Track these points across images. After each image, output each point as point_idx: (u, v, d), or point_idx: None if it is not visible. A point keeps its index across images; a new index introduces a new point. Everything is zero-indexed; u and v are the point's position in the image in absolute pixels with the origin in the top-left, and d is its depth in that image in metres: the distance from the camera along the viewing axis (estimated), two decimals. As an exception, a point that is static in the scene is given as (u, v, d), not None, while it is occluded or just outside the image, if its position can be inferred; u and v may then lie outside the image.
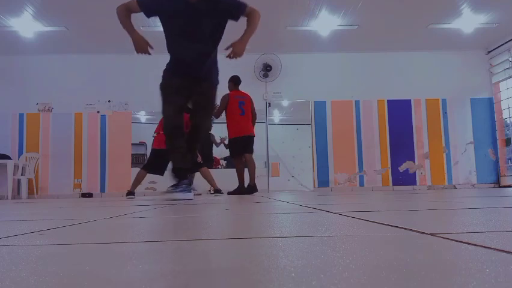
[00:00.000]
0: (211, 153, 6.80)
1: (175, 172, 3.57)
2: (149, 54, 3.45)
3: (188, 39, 3.38)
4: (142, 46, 3.39)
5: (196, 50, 3.40)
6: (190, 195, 3.48)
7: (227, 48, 3.36)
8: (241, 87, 6.35)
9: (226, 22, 3.43)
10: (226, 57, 3.39)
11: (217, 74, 3.63)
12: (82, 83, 8.54)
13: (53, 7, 6.71)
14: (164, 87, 3.53)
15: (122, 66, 8.59)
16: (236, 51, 3.34)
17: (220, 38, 3.47)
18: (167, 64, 3.60)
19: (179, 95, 3.47)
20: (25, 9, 6.71)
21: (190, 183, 3.67)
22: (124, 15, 3.45)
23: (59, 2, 6.54)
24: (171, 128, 3.47)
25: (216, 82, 3.63)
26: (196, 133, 3.60)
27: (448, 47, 8.60)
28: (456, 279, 0.45)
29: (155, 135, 5.63)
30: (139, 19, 7.00)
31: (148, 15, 3.51)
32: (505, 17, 7.34)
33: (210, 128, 3.76)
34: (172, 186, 3.52)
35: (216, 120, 9.50)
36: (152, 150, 5.67)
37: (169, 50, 3.52)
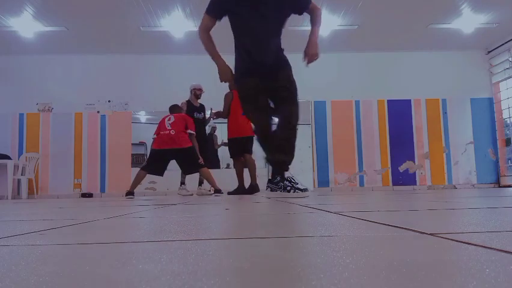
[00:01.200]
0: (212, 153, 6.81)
1: (276, 165, 3.53)
2: (232, 83, 3.50)
3: (258, 32, 3.38)
4: (226, 75, 3.43)
5: (265, 42, 3.40)
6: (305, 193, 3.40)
7: (304, 60, 3.50)
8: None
9: (289, 14, 3.49)
10: (307, 65, 3.52)
11: (286, 58, 3.59)
12: (82, 83, 8.54)
13: (53, 7, 6.71)
14: (243, 95, 3.51)
15: (122, 66, 8.60)
16: (312, 55, 3.51)
17: (283, 28, 3.51)
18: (236, 67, 3.52)
19: (260, 95, 3.44)
20: (25, 9, 6.71)
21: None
22: (206, 37, 3.45)
23: (59, 2, 6.54)
24: (261, 132, 3.48)
25: (289, 66, 3.59)
26: (288, 125, 3.43)
27: (448, 47, 8.60)
28: (456, 279, 0.45)
29: (154, 136, 5.63)
30: (139, 19, 7.04)
31: (220, 18, 3.46)
32: (505, 17, 7.35)
33: (298, 117, 3.52)
34: (274, 182, 3.46)
35: (217, 121, 9.47)
36: (152, 150, 5.66)
37: (239, 47, 3.48)
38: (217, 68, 3.45)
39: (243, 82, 3.48)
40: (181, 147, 5.42)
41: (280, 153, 3.46)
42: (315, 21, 3.54)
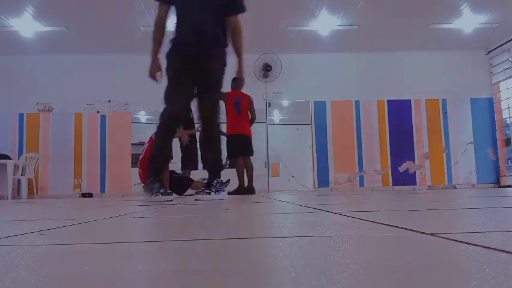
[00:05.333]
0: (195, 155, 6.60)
1: (153, 167, 3.43)
2: (156, 81, 3.49)
3: (197, 16, 3.38)
4: (153, 72, 3.43)
5: (203, 26, 3.38)
6: (167, 197, 3.32)
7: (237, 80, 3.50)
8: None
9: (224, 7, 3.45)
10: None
11: (225, 55, 3.51)
12: (82, 83, 8.54)
13: (53, 7, 6.71)
14: (169, 70, 3.43)
15: (122, 66, 8.59)
16: (243, 79, 3.55)
17: (224, 24, 3.47)
18: (170, 46, 3.50)
19: (185, 78, 3.40)
20: (25, 9, 6.71)
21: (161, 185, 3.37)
22: (158, 25, 3.45)
23: (59, 2, 6.54)
24: (169, 116, 3.38)
25: (224, 61, 3.49)
26: (207, 123, 3.43)
27: (448, 47, 8.59)
28: (456, 279, 0.45)
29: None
30: (139, 19, 7.03)
31: (170, 2, 3.46)
32: (505, 17, 7.34)
33: (218, 114, 3.49)
34: (149, 185, 3.37)
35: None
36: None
37: (177, 29, 3.48)
38: (150, 63, 3.45)
39: (173, 62, 3.44)
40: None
41: (207, 151, 3.50)
42: (238, 47, 3.50)
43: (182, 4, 3.43)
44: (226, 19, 3.46)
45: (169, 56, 3.45)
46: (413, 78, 8.69)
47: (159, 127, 3.45)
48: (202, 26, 3.38)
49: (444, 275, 0.47)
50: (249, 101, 6.21)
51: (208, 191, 3.44)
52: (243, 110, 6.14)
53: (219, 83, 3.50)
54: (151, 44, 3.46)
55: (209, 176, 3.57)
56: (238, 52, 3.52)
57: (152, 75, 3.44)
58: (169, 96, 3.41)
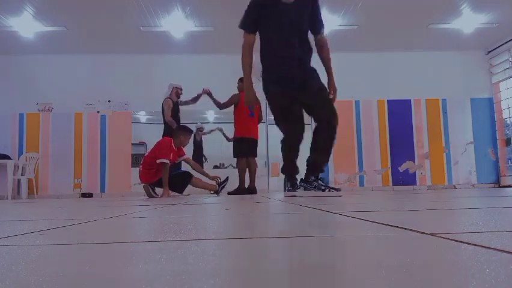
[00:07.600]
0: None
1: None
2: (256, 106, 3.80)
3: (287, 42, 3.50)
4: (252, 100, 3.68)
5: (294, 54, 3.52)
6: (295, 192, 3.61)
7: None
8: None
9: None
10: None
11: (313, 68, 3.68)
12: (82, 83, 8.54)
13: (53, 7, 6.71)
14: (275, 106, 3.59)
15: (122, 66, 8.59)
16: (335, 92, 3.68)
17: (308, 41, 3.66)
18: (265, 79, 3.60)
19: (292, 106, 3.51)
20: (25, 9, 6.71)
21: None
22: (247, 53, 3.53)
23: (59, 2, 6.54)
24: (291, 143, 3.55)
25: (317, 74, 3.68)
26: (327, 126, 3.50)
27: (448, 47, 8.59)
28: (456, 279, 0.45)
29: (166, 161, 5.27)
30: (139, 19, 7.03)
31: (256, 29, 3.55)
32: (505, 17, 7.34)
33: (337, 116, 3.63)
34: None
35: (203, 121, 9.48)
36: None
37: (266, 58, 3.57)
38: (245, 91, 3.64)
39: (274, 94, 3.57)
40: (152, 182, 5.41)
41: (321, 155, 3.58)
42: (327, 57, 3.74)
43: (272, 31, 3.51)
44: (315, 37, 3.69)
45: (268, 90, 3.59)
46: (413, 78, 8.69)
47: (284, 159, 3.64)
48: (293, 51, 3.51)
49: (445, 275, 0.47)
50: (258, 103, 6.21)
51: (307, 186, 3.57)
52: (255, 112, 6.08)
53: (322, 87, 3.63)
54: (243, 73, 3.58)
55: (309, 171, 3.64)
56: (327, 64, 3.73)
57: (251, 103, 3.69)
58: (284, 127, 3.58)
